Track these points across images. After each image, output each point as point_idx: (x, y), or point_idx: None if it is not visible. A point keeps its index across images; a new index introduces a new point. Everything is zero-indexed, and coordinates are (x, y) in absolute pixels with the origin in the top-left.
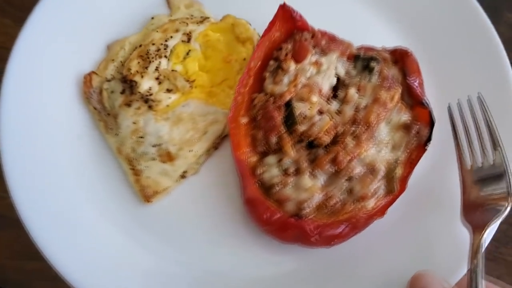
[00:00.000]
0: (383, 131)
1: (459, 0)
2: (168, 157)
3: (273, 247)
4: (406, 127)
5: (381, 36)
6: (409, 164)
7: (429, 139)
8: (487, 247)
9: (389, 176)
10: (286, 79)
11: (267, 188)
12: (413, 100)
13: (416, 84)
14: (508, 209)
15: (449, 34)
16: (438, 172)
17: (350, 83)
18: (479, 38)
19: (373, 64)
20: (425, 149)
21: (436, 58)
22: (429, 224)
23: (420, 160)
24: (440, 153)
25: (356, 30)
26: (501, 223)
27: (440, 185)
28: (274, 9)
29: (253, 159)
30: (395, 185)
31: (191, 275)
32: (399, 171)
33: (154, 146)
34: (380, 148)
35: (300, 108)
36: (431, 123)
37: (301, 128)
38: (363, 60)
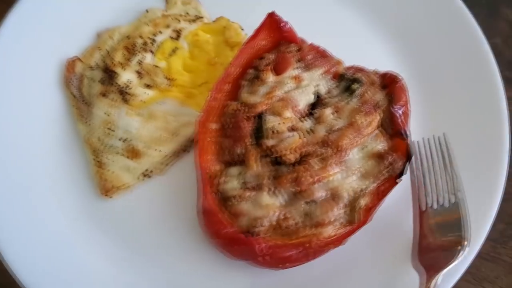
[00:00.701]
0: (355, 158)
1: (465, 31)
2: (133, 153)
3: (228, 261)
4: (380, 157)
5: (379, 57)
6: (378, 195)
7: (402, 173)
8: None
9: (352, 205)
10: (262, 90)
11: (224, 200)
12: (394, 129)
13: (400, 112)
14: (463, 254)
15: (450, 67)
16: (408, 208)
17: (328, 103)
18: (480, 75)
19: (355, 86)
20: (396, 183)
21: (431, 90)
22: (388, 261)
23: (390, 193)
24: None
25: (354, 48)
26: (498, 223)
27: (408, 222)
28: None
29: (216, 167)
30: (357, 215)
31: (139, 278)
32: (364, 201)
33: (122, 140)
34: (348, 174)
35: (271, 122)
36: (407, 156)
37: (269, 142)
38: (346, 81)
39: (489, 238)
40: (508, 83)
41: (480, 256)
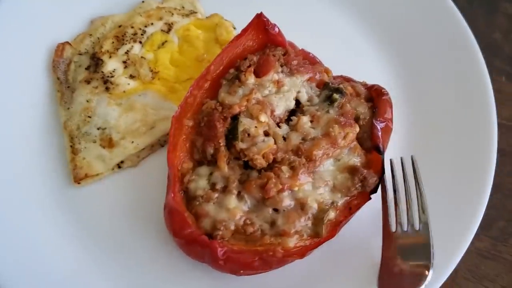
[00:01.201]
0: (327, 169)
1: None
2: (108, 142)
3: (193, 261)
4: (353, 170)
5: (374, 69)
6: (347, 210)
7: (375, 189)
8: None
9: (319, 218)
10: (240, 91)
11: (190, 199)
12: (372, 143)
13: (380, 126)
14: (428, 280)
15: (445, 85)
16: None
17: (307, 111)
18: (475, 96)
19: (336, 96)
20: (369, 198)
21: (421, 104)
22: (349, 282)
23: (360, 210)
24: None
25: (348, 57)
26: (499, 220)
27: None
28: (271, 19)
29: (187, 165)
30: (322, 229)
31: (103, 269)
32: (331, 215)
33: (98, 128)
34: (318, 185)
35: (245, 125)
36: (381, 173)
37: (241, 145)
38: (328, 90)
39: (490, 236)
40: (508, 78)
41: (480, 254)
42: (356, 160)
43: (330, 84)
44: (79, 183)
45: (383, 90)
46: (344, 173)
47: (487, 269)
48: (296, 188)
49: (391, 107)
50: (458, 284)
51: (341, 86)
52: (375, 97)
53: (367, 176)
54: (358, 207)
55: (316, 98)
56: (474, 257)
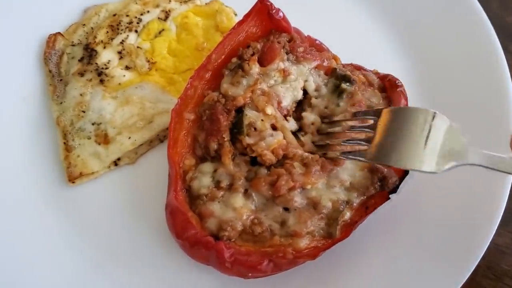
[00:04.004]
0: (345, 167)
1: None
2: (104, 139)
3: (195, 263)
4: (373, 169)
5: (384, 57)
6: (363, 210)
7: (394, 190)
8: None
9: (333, 218)
10: (244, 82)
11: (193, 198)
12: None
13: None
14: None
15: (459, 70)
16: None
17: (315, 107)
18: (491, 89)
19: (344, 86)
20: (388, 199)
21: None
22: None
23: (377, 210)
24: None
25: (357, 45)
26: None
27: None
28: (276, 3)
29: (189, 162)
30: (336, 230)
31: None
32: (347, 215)
33: (93, 124)
34: (333, 184)
35: (251, 118)
36: (403, 173)
37: (248, 140)
38: (335, 78)
39: (510, 231)
40: None
41: (499, 250)
42: None
43: (338, 70)
44: (73, 182)
45: (397, 82)
46: (363, 171)
47: (507, 265)
48: (309, 186)
49: (406, 99)
50: (478, 283)
51: (348, 73)
52: (388, 88)
53: (387, 176)
54: (375, 207)
55: (323, 88)
56: (493, 254)
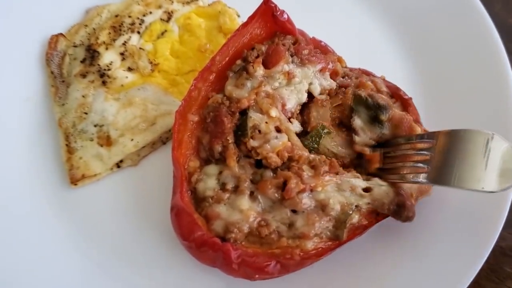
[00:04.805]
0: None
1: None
2: (106, 140)
3: (200, 265)
4: (398, 192)
5: (389, 59)
6: (373, 216)
7: (405, 221)
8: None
9: (341, 220)
10: (248, 84)
11: (199, 200)
12: None
13: None
14: None
15: (461, 73)
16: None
17: (359, 144)
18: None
19: (383, 116)
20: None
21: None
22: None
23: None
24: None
25: (362, 48)
26: None
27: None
28: (280, 5)
29: (194, 164)
30: (343, 232)
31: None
32: (355, 219)
33: (95, 125)
34: (343, 188)
35: (255, 120)
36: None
37: (252, 143)
38: (366, 108)
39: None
40: None
41: (503, 253)
42: None
43: (365, 99)
44: (75, 184)
45: (406, 98)
46: (388, 187)
47: (511, 269)
48: (319, 188)
49: (418, 115)
50: (481, 285)
51: (381, 101)
52: (397, 99)
53: (406, 206)
54: (385, 216)
55: (358, 120)
56: (497, 256)
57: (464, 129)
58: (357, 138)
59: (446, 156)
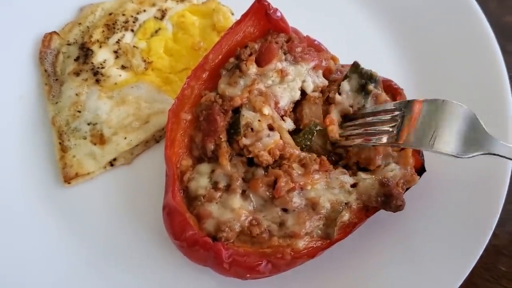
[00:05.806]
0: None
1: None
2: (100, 139)
3: (192, 264)
4: (383, 183)
5: (382, 57)
6: (363, 212)
7: (395, 211)
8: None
9: (331, 218)
10: (242, 82)
11: (191, 199)
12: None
13: None
14: None
15: (456, 71)
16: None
17: (338, 104)
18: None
19: (371, 87)
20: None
21: None
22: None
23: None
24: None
25: (356, 47)
26: None
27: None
28: (273, 3)
29: (186, 162)
30: (334, 231)
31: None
32: (345, 216)
33: (89, 124)
34: (333, 185)
35: (248, 118)
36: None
37: (245, 141)
38: (360, 76)
39: (507, 231)
40: None
41: (497, 251)
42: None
43: (362, 67)
44: (69, 183)
45: (397, 88)
46: (373, 179)
47: (506, 267)
48: (309, 187)
49: None
50: (475, 284)
51: (374, 71)
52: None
53: (394, 195)
54: (376, 210)
55: (346, 84)
56: (491, 255)
57: (438, 98)
58: (337, 97)
59: (419, 121)
